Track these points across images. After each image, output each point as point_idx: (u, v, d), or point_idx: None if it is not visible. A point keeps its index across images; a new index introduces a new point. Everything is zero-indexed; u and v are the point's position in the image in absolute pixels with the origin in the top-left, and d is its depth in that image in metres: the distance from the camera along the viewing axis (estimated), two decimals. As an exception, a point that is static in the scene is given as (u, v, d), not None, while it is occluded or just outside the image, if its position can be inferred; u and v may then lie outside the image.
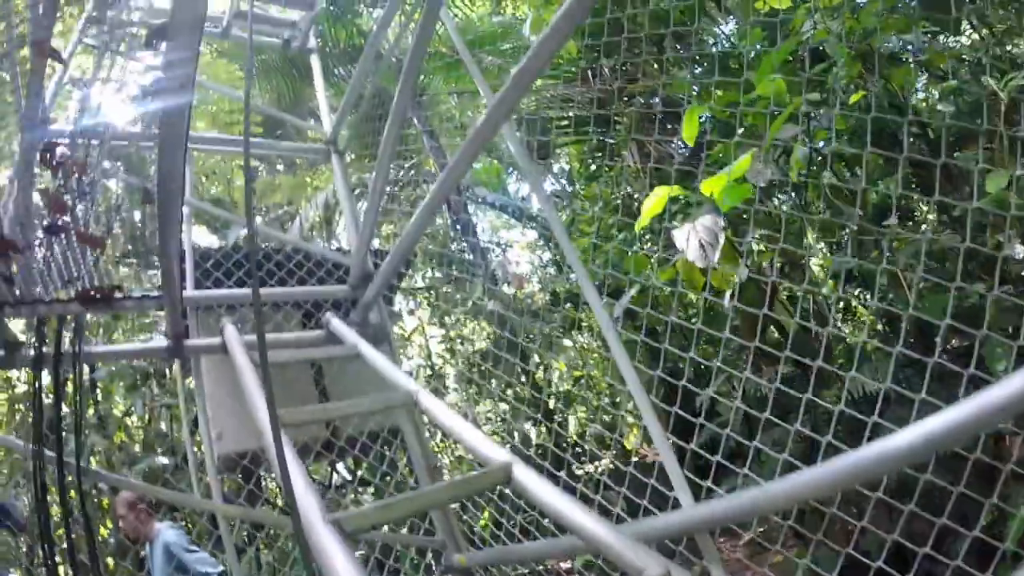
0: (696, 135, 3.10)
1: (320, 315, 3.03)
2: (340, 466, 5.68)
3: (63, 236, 1.87)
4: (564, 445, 4.83)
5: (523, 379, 5.31)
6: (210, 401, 2.85)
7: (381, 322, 3.01)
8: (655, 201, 3.17)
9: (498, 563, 2.60)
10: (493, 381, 6.07)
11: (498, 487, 1.55)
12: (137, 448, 6.43)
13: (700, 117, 3.42)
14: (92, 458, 5.71)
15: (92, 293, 2.01)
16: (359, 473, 4.48)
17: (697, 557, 1.78)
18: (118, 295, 2.11)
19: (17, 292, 1.89)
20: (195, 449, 3.88)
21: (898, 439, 1.12)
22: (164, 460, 5.93)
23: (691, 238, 3.00)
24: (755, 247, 3.57)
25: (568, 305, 5.89)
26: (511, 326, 4.64)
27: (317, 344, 2.66)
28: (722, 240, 2.95)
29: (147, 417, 6.59)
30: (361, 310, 2.92)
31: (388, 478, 3.70)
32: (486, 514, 3.47)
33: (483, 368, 5.85)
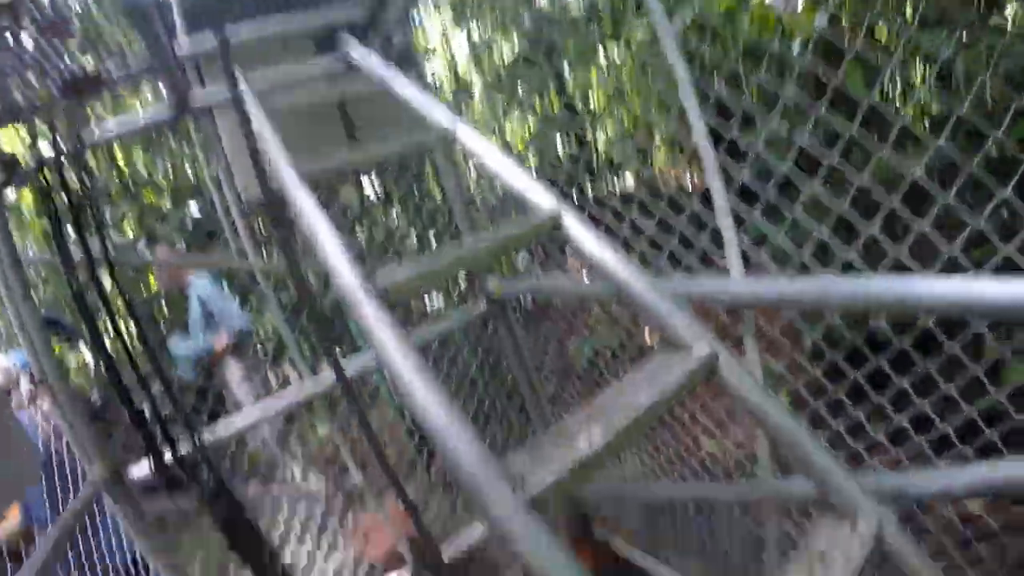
0: None
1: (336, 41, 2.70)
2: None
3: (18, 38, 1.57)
4: (595, 168, 4.64)
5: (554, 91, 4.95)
6: (230, 152, 2.67)
7: (405, 41, 2.68)
8: None
9: (531, 292, 2.58)
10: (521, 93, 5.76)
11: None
12: (167, 204, 6.43)
13: None
14: (124, 222, 5.70)
15: (79, 83, 1.79)
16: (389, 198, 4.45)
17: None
18: (105, 76, 1.88)
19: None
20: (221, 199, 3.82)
21: None
22: (194, 210, 5.92)
23: None
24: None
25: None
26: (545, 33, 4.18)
27: (335, 75, 2.37)
28: None
29: (171, 171, 6.47)
30: (382, 31, 2.57)
31: (421, 204, 3.64)
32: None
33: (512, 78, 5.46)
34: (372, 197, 3.96)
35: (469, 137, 1.52)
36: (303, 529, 3.25)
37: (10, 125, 1.90)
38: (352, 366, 2.56)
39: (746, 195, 1.72)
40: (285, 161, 1.41)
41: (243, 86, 2.02)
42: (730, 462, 2.53)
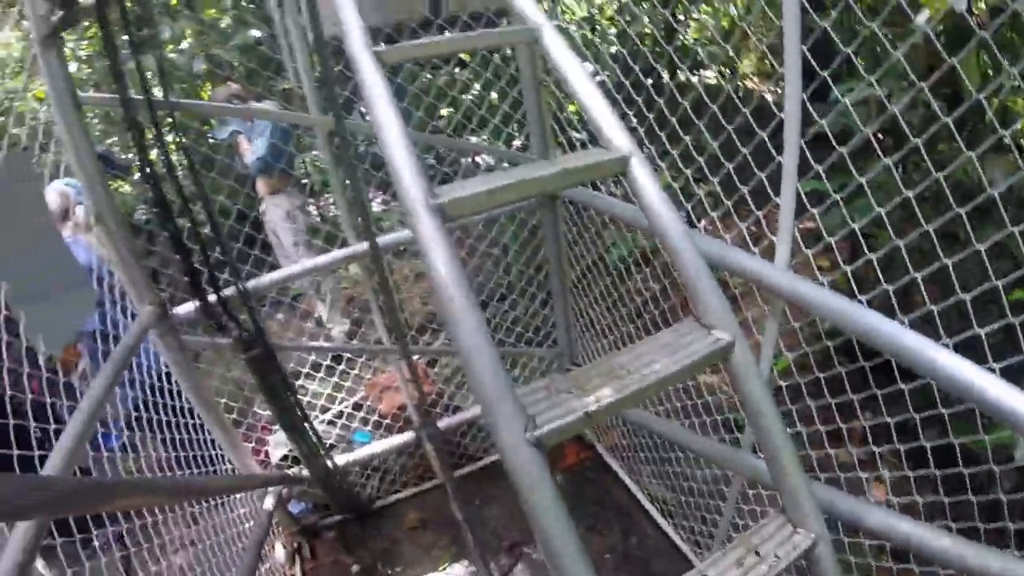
0: None
1: None
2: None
3: None
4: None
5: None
6: None
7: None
8: None
9: (584, 204, 2.57)
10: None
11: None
12: (227, 21, 6.15)
13: None
14: (183, 40, 5.50)
15: None
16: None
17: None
18: None
19: None
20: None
21: None
22: (257, 32, 5.58)
23: None
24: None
25: None
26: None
27: None
28: None
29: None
30: None
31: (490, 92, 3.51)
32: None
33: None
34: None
35: (556, 45, 1.45)
36: (315, 367, 3.47)
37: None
38: (389, 239, 2.66)
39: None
40: (357, 24, 1.36)
41: None
42: (723, 411, 2.63)
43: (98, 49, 5.74)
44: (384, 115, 1.18)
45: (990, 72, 2.61)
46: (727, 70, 5.66)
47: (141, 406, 2.67)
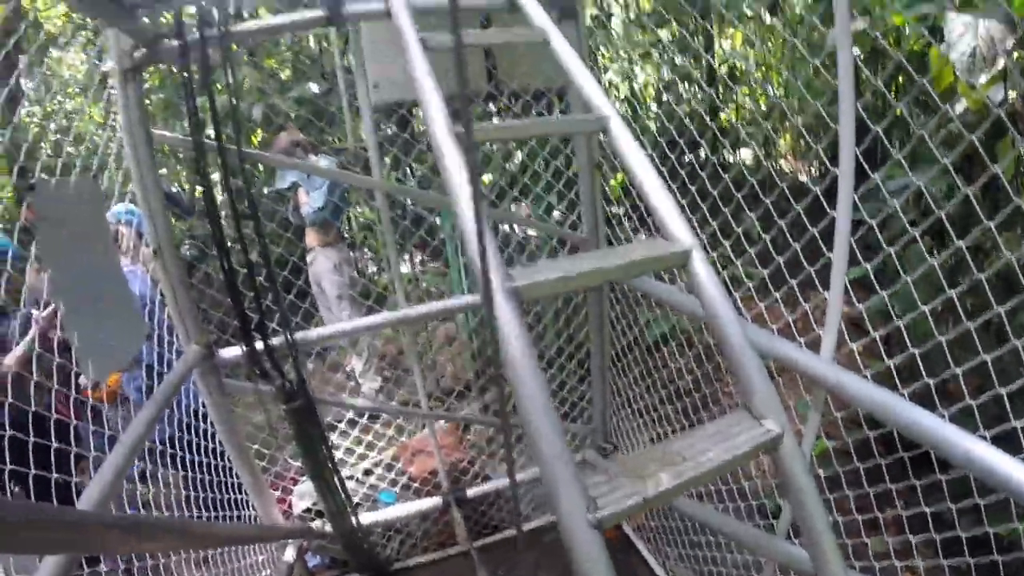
0: None
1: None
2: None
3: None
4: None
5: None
6: (368, 52, 2.71)
7: (572, -10, 2.62)
8: None
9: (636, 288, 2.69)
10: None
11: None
12: (287, 73, 6.44)
13: None
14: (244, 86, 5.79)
15: None
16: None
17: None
18: None
19: None
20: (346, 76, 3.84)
21: None
22: (315, 87, 5.88)
23: (967, 37, 2.34)
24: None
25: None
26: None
27: (495, 10, 2.35)
28: (1001, 64, 2.30)
29: (296, 41, 6.50)
30: None
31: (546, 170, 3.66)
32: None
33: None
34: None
35: (623, 136, 1.52)
36: (349, 423, 3.49)
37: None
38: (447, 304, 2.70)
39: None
40: (440, 107, 1.44)
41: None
42: (759, 496, 2.61)
43: (160, 85, 6.03)
44: (463, 196, 1.24)
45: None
46: (763, 150, 5.79)
47: (167, 441, 2.71)
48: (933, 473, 1.63)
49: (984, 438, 1.33)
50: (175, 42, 2.01)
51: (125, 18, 1.80)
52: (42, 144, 2.75)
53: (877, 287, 1.73)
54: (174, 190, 4.31)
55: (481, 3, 2.29)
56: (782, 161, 7.04)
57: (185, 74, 2.01)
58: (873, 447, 1.85)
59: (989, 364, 1.45)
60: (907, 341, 1.65)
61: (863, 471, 1.93)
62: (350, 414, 3.55)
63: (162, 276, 2.25)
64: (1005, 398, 1.43)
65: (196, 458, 2.68)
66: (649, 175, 1.44)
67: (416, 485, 3.49)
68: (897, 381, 1.63)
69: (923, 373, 1.61)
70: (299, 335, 2.38)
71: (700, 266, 1.31)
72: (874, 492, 1.90)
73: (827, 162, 1.81)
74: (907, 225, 1.66)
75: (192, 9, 2.06)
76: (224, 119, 2.26)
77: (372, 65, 2.75)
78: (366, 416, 3.64)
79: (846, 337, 1.78)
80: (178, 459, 2.64)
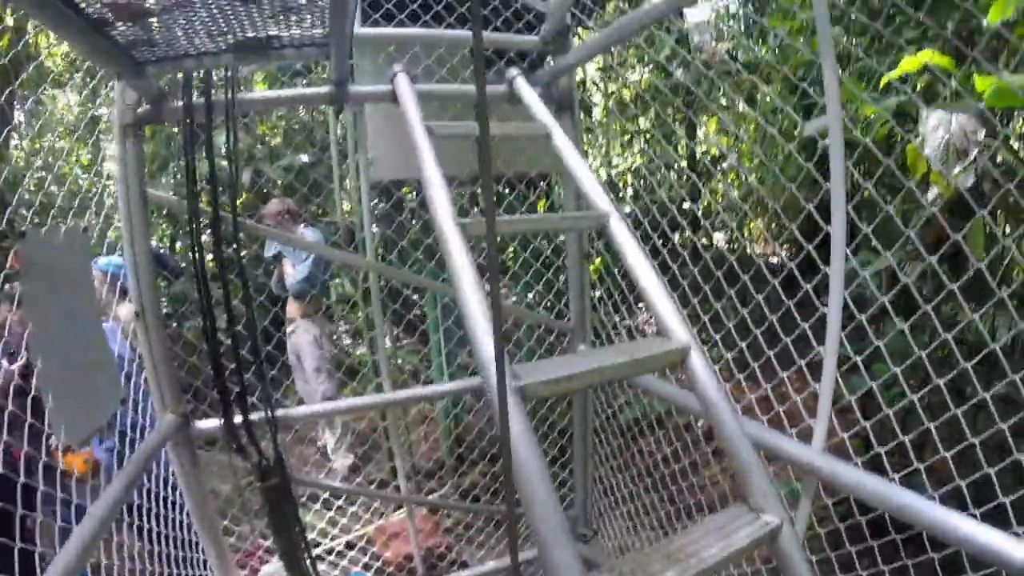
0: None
1: (500, 65, 2.79)
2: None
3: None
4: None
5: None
6: (368, 129, 2.76)
7: (569, 88, 2.76)
8: (912, 61, 2.66)
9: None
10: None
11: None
12: (278, 140, 6.44)
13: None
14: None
15: (246, 43, 1.82)
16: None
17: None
18: (276, 44, 1.90)
19: (156, 49, 1.76)
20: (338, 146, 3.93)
21: None
22: (305, 157, 5.88)
23: (941, 131, 2.54)
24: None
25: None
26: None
27: (495, 100, 2.45)
28: (973, 156, 2.49)
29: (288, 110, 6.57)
30: (551, 74, 2.65)
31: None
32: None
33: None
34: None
35: (622, 232, 1.57)
36: (314, 499, 3.37)
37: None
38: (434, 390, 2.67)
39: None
40: (445, 198, 1.47)
41: (407, 89, 2.06)
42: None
43: (151, 136, 6.03)
44: (469, 290, 1.25)
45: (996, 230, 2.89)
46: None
47: (132, 510, 2.58)
48: (925, 552, 1.67)
49: (974, 516, 1.38)
50: (180, 102, 2.02)
51: (133, 72, 1.79)
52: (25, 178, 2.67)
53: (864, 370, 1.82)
54: (162, 250, 4.21)
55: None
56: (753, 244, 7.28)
57: (186, 136, 2.03)
58: (865, 531, 1.88)
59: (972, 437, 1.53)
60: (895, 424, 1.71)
61: (854, 554, 1.95)
62: (325, 493, 3.44)
63: (141, 339, 2.18)
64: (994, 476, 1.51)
65: (162, 530, 2.55)
66: (647, 272, 1.48)
67: (391, 570, 3.36)
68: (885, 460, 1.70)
69: (911, 455, 1.68)
70: (280, 412, 2.33)
71: (698, 363, 1.34)
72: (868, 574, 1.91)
73: (802, 243, 1.93)
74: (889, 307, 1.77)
75: (200, 72, 2.08)
76: (223, 185, 2.27)
77: (371, 142, 2.80)
78: (343, 498, 3.53)
79: (838, 429, 1.84)
80: (144, 530, 2.52)
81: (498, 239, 3.92)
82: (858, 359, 1.82)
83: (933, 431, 1.63)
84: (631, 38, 3.51)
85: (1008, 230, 2.70)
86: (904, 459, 1.72)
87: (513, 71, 2.33)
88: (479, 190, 3.87)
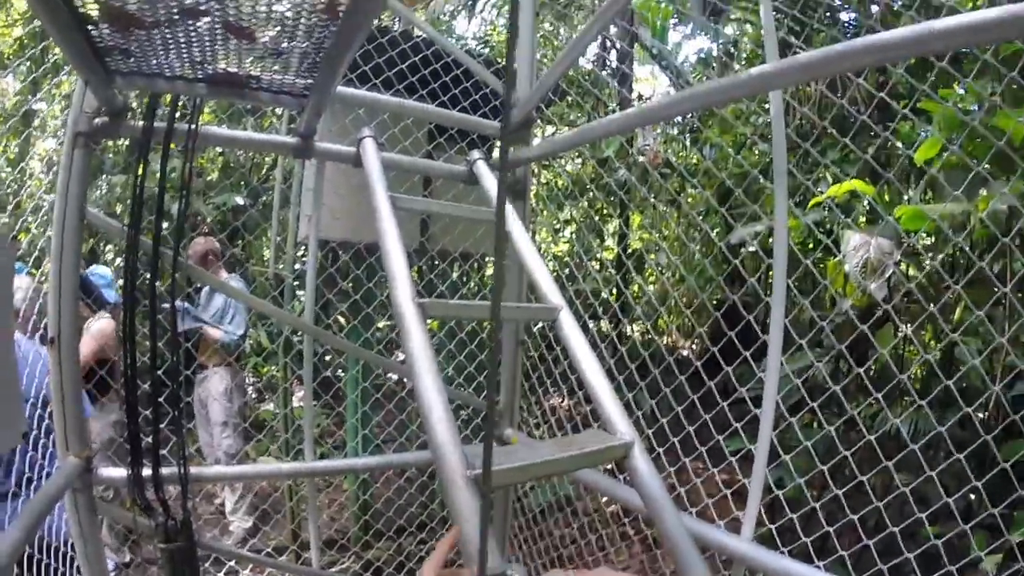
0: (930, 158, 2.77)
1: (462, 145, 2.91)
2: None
3: (204, 21, 1.58)
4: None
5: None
6: (322, 185, 2.76)
7: (525, 176, 2.86)
8: (843, 187, 3.01)
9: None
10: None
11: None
12: (214, 176, 6.30)
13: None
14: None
15: (223, 77, 1.79)
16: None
17: None
18: (254, 84, 1.80)
19: (131, 62, 1.72)
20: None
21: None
22: (240, 200, 5.76)
23: (861, 251, 2.83)
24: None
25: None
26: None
27: (457, 179, 2.52)
28: (888, 273, 2.79)
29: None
30: (511, 163, 2.75)
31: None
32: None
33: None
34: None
35: (570, 326, 1.62)
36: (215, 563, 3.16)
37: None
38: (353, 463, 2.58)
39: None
40: (405, 275, 1.48)
41: (373, 156, 2.06)
42: None
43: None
44: (424, 371, 1.24)
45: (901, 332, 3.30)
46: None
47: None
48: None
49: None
50: (140, 123, 1.93)
51: (102, 80, 1.68)
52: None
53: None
54: (91, 277, 3.87)
55: (444, 172, 2.45)
56: (666, 338, 7.60)
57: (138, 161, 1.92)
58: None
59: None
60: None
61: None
62: (231, 561, 3.21)
63: (52, 371, 2.01)
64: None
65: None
66: (592, 367, 1.53)
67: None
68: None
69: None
70: (194, 470, 2.20)
71: (640, 459, 1.38)
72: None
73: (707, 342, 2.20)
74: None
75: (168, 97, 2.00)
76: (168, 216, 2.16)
77: (323, 198, 2.78)
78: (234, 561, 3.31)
79: (766, 521, 1.98)
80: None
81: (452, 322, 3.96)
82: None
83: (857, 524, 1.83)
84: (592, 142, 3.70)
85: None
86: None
87: (476, 153, 2.40)
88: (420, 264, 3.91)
